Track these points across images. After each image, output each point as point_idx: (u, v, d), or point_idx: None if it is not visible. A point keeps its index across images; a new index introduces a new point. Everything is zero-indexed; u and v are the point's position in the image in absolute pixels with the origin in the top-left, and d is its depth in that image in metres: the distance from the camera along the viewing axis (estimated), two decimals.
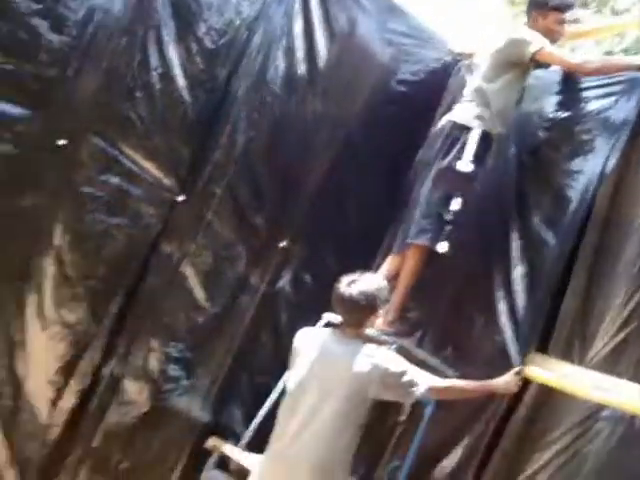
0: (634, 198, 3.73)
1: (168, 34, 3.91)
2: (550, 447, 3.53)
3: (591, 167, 3.84)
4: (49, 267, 3.82)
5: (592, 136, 3.93)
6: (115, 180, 3.93)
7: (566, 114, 4.11)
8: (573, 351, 3.67)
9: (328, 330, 3.44)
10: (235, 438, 4.25)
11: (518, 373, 3.58)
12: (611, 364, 3.47)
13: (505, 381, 3.55)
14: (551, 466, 3.51)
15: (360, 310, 3.30)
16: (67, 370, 3.97)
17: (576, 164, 3.92)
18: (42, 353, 3.89)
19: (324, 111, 4.46)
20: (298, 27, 4.31)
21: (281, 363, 3.69)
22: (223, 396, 4.42)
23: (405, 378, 3.22)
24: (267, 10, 4.19)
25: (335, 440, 3.19)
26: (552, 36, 4.05)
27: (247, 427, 4.18)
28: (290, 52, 4.30)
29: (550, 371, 3.62)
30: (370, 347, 3.27)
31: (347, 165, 4.58)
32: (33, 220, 3.74)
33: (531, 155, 4.17)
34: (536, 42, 3.93)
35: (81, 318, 3.95)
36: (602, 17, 9.32)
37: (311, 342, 3.39)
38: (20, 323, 3.80)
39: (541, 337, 3.78)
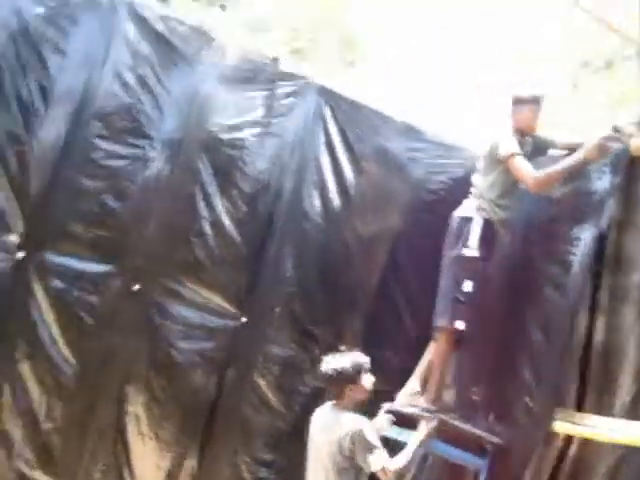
0: (631, 254, 4.08)
1: (212, 188, 4.77)
2: None
3: (588, 233, 4.24)
4: (141, 392, 4.62)
5: (587, 206, 4.34)
6: (186, 313, 4.74)
7: (566, 189, 4.53)
8: (604, 404, 3.96)
9: (328, 405, 4.02)
10: None
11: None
12: (632, 411, 3.76)
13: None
14: None
15: (334, 383, 3.92)
16: None
17: (575, 232, 4.33)
18: (145, 466, 4.64)
19: (362, 230, 5.14)
20: (326, 163, 5.06)
21: None
22: None
23: (372, 451, 3.69)
24: (295, 153, 4.98)
25: None
26: (530, 125, 4.55)
27: None
28: (322, 184, 5.04)
29: (585, 426, 3.92)
30: (350, 415, 3.83)
31: (393, 271, 5.18)
32: (122, 354, 4.59)
33: (538, 230, 4.61)
34: (505, 148, 4.39)
35: (174, 433, 4.69)
36: None
37: (316, 418, 4.01)
38: (123, 440, 4.59)
39: (577, 396, 4.10)
